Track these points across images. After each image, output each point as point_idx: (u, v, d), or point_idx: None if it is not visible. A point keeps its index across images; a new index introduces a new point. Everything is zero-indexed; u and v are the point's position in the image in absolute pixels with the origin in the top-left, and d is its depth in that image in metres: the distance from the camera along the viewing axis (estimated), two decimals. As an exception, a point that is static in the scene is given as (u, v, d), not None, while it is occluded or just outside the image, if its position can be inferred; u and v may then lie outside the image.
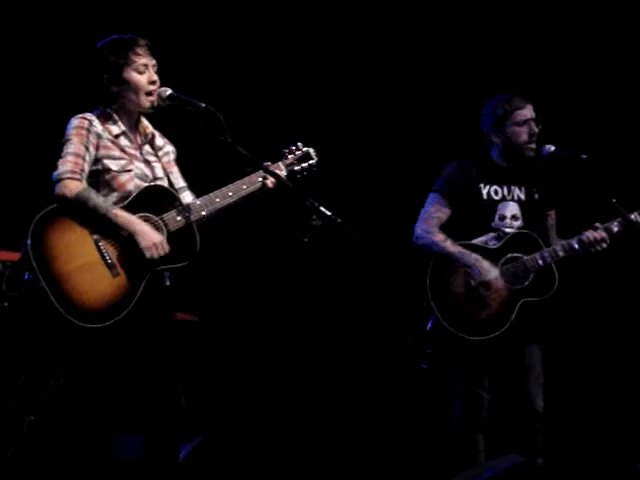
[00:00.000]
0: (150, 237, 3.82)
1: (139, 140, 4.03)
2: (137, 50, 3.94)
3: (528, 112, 4.81)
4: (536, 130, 4.80)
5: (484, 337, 4.68)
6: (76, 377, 3.89)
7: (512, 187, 4.88)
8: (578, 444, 5.92)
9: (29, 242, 3.71)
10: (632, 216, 4.73)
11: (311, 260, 3.89)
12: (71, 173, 3.81)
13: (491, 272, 4.68)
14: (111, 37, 3.99)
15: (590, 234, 4.73)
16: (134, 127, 4.02)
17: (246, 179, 4.01)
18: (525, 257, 4.76)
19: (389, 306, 5.92)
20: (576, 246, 4.75)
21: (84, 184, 3.83)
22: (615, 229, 4.75)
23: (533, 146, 4.80)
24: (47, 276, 3.71)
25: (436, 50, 6.27)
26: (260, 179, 4.00)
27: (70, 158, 3.83)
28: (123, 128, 3.97)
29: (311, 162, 4.17)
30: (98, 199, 3.81)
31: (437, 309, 4.71)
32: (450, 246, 4.75)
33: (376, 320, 6.10)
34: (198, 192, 4.08)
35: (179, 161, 4.17)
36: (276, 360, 6.10)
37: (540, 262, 4.74)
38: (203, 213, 3.95)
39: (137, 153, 3.99)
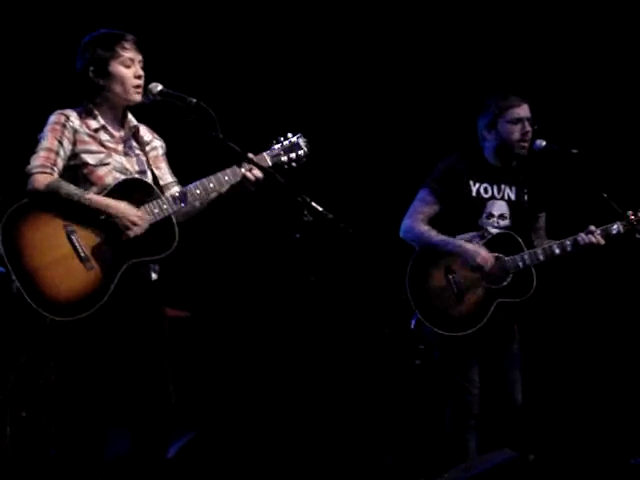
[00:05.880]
0: (127, 213, 3.81)
1: (122, 134, 4.00)
2: (124, 44, 3.93)
3: (522, 111, 4.79)
4: (529, 129, 4.78)
5: (458, 333, 4.68)
6: (67, 373, 3.87)
7: (503, 186, 4.86)
8: (571, 439, 5.93)
9: (0, 237, 3.71)
10: (614, 226, 4.73)
11: (303, 256, 3.85)
12: (41, 167, 3.81)
13: (478, 253, 4.68)
14: (99, 31, 3.98)
15: (585, 237, 4.71)
16: (118, 121, 4.00)
17: (228, 170, 3.93)
18: (505, 258, 4.76)
19: (379, 301, 5.92)
20: (557, 251, 4.73)
21: (55, 177, 3.82)
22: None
23: (525, 145, 4.78)
24: (19, 270, 3.71)
25: (433, 44, 6.26)
26: (243, 170, 3.90)
27: (42, 153, 3.84)
28: (102, 122, 3.95)
29: (300, 152, 4.01)
30: (69, 187, 3.79)
31: (414, 303, 4.73)
32: (434, 236, 4.76)
33: (368, 315, 6.09)
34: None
35: (171, 156, 4.15)
36: (268, 356, 6.09)
37: (520, 264, 4.73)
38: (182, 205, 3.90)
39: (118, 147, 3.97)
